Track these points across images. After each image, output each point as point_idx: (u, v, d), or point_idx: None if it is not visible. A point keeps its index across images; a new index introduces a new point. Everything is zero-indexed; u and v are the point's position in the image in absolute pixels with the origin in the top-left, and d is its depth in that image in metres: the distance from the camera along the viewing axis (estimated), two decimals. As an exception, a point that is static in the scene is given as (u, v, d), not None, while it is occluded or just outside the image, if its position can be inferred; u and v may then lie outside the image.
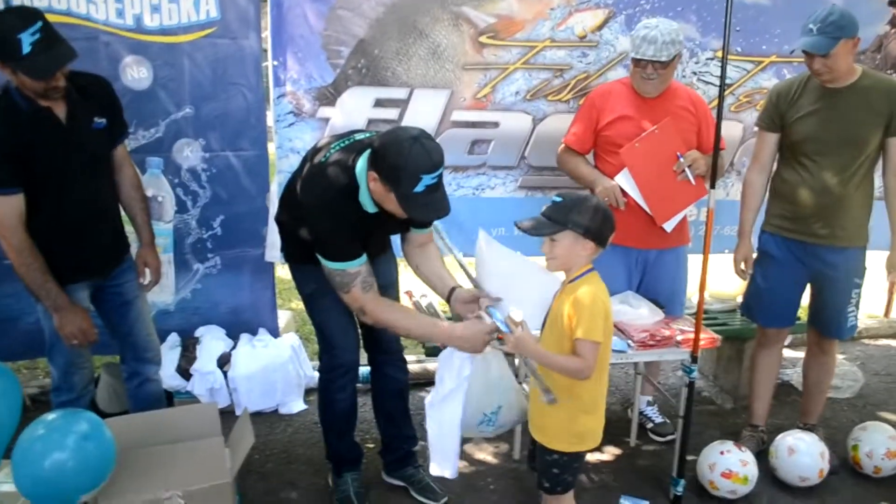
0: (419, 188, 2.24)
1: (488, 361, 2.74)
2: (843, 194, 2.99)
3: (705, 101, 3.39)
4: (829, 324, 3.21)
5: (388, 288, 2.88)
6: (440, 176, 2.29)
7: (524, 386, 2.90)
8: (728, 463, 3.04)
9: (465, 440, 3.43)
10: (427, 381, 3.88)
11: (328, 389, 2.94)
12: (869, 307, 5.08)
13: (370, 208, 2.46)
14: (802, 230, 3.09)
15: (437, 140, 3.52)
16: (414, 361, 4.12)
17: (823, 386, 3.41)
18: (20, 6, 2.93)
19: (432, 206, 2.32)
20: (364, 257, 2.49)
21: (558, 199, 2.26)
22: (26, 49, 2.34)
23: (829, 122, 2.95)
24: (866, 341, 4.84)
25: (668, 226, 3.22)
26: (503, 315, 2.36)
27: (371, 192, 2.41)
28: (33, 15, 2.42)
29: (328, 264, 2.48)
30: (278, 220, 2.82)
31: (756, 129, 3.31)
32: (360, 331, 2.95)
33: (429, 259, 2.76)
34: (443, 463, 2.57)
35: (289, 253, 2.86)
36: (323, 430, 3.06)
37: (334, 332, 2.83)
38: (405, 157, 2.23)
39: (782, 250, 3.17)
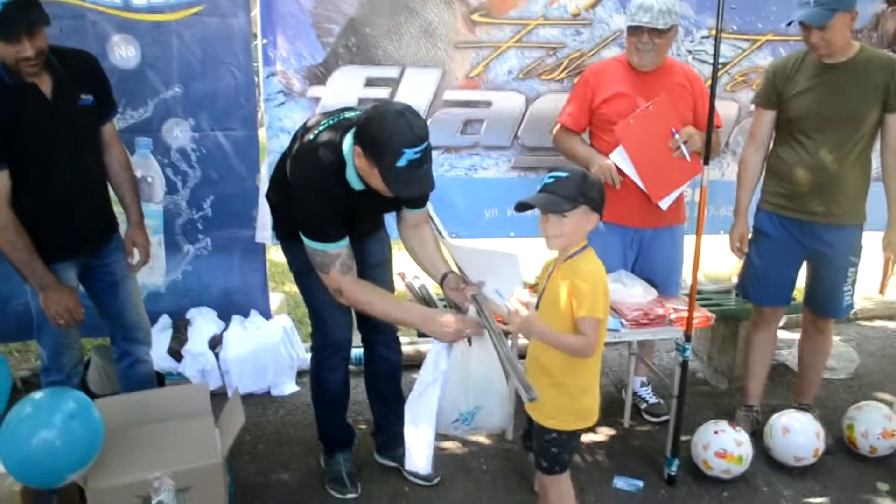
0: (401, 162, 2.21)
1: (468, 359, 2.70)
2: (840, 171, 2.96)
3: (701, 77, 3.35)
4: (826, 303, 3.20)
5: (379, 267, 2.86)
6: (424, 151, 2.24)
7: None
8: (722, 443, 3.02)
9: (441, 436, 3.43)
10: (420, 362, 3.83)
11: (320, 369, 2.93)
12: (864, 288, 5.05)
13: (357, 185, 2.43)
14: (799, 208, 3.07)
15: (429, 120, 3.54)
16: (407, 343, 4.08)
17: (819, 366, 3.40)
18: None
19: (415, 181, 2.28)
20: (346, 240, 2.46)
21: (562, 174, 2.20)
22: None
23: (827, 97, 2.92)
24: (862, 322, 4.84)
25: (664, 203, 3.19)
26: (505, 297, 2.30)
27: (357, 168, 2.38)
28: None
29: (310, 244, 2.45)
30: (269, 198, 2.80)
31: (752, 106, 3.28)
32: (353, 311, 2.92)
33: (423, 242, 2.71)
34: (417, 457, 2.51)
35: (280, 231, 2.83)
36: (315, 411, 3.05)
37: (326, 310, 2.80)
38: (388, 131, 2.21)
39: (778, 229, 3.15)
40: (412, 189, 2.33)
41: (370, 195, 2.44)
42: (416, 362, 3.89)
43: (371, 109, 2.32)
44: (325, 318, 2.83)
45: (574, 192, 2.17)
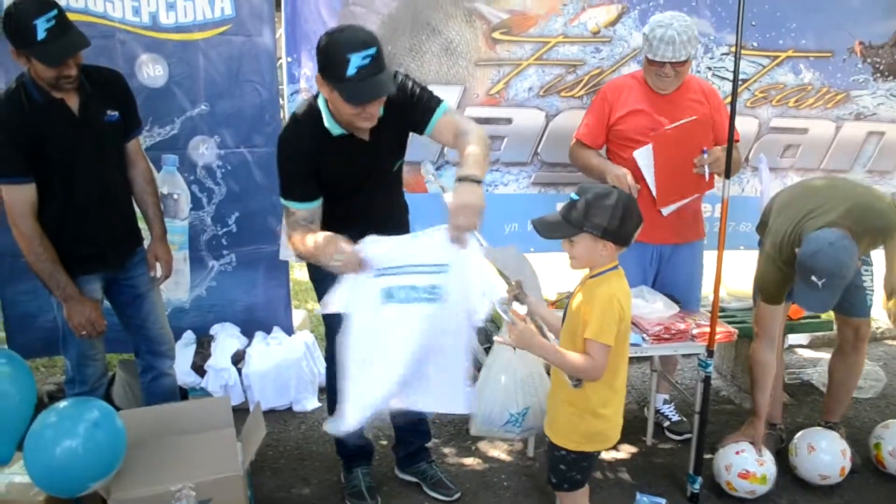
0: (350, 70, 2.20)
1: (514, 362, 2.70)
2: (846, 186, 2.95)
3: (718, 91, 3.36)
4: (854, 302, 3.13)
5: None
6: (374, 58, 2.22)
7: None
8: (744, 463, 2.98)
9: (485, 440, 3.43)
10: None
11: (335, 379, 2.93)
12: (891, 308, 5.01)
13: (335, 129, 2.45)
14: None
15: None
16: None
17: (850, 385, 3.34)
18: None
19: (369, 87, 2.25)
20: (313, 204, 2.47)
21: (576, 196, 2.15)
22: (41, 35, 2.39)
23: None
24: (889, 342, 4.76)
25: (666, 210, 3.17)
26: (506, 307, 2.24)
27: (329, 108, 2.41)
28: (49, 3, 2.47)
29: (282, 201, 2.51)
30: None
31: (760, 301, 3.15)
32: None
33: (455, 142, 2.50)
34: (451, 401, 2.42)
35: None
36: None
37: (338, 320, 2.82)
38: (332, 42, 2.25)
39: None
40: (366, 94, 2.27)
41: (355, 140, 2.47)
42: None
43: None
44: (339, 328, 2.84)
45: (577, 219, 2.13)
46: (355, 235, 2.33)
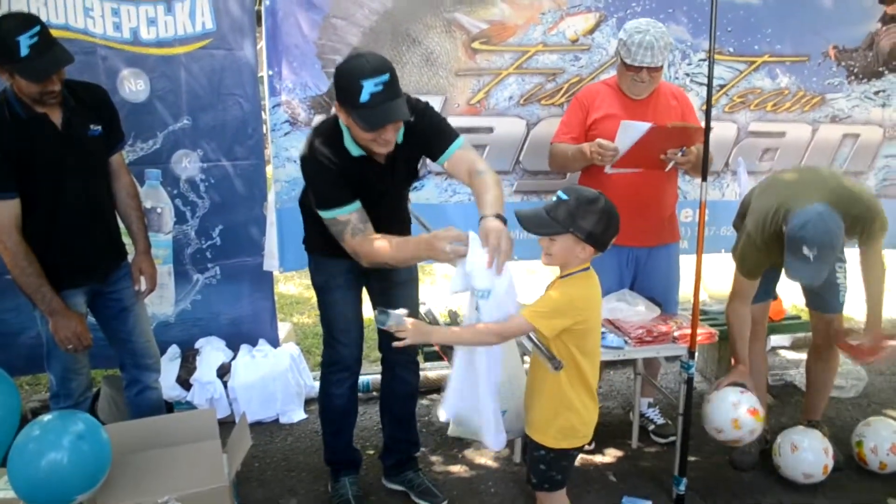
0: (364, 97, 2.26)
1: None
2: None
3: (686, 94, 3.46)
4: (828, 299, 3.19)
5: (404, 285, 2.89)
6: (386, 84, 2.28)
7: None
8: (751, 401, 2.97)
9: (465, 443, 3.44)
10: (428, 389, 3.87)
11: (326, 383, 2.97)
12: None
13: (354, 150, 2.50)
14: None
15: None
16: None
17: (828, 382, 3.38)
18: (20, 12, 2.99)
19: (382, 113, 2.31)
20: (356, 205, 2.47)
21: (565, 196, 2.18)
22: (24, 51, 2.40)
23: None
24: (870, 342, 4.81)
25: (610, 170, 3.18)
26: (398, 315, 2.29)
27: (349, 130, 2.46)
28: (32, 19, 2.49)
29: (322, 214, 2.51)
30: (301, 202, 2.84)
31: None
32: (377, 332, 2.96)
33: (475, 188, 2.52)
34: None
35: (307, 240, 2.88)
36: (322, 429, 3.08)
37: (337, 327, 2.87)
38: (347, 69, 2.33)
39: None
40: (380, 119, 2.33)
41: (373, 163, 2.51)
42: (423, 388, 3.91)
43: None
44: (334, 334, 2.88)
45: (565, 219, 2.15)
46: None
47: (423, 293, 3.09)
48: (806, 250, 2.61)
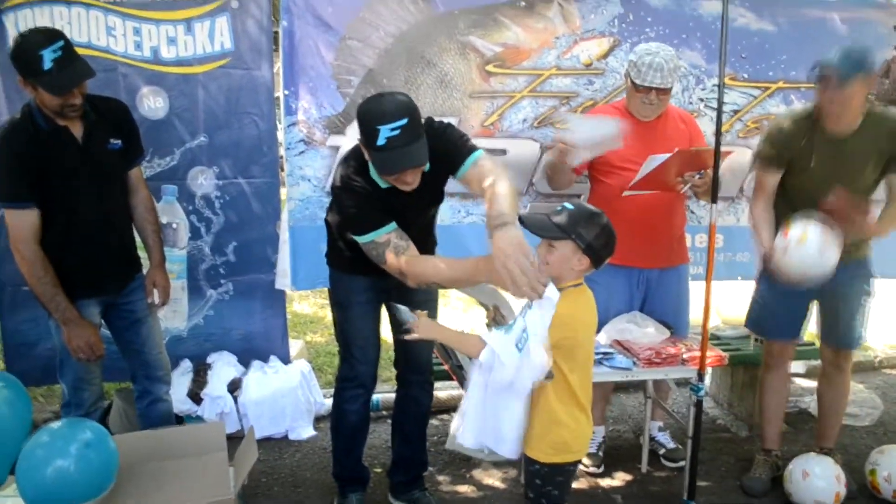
0: (380, 141, 2.26)
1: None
2: None
3: (694, 118, 3.49)
4: (844, 336, 3.16)
5: (424, 304, 2.84)
6: (404, 128, 2.26)
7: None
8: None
9: (472, 462, 3.42)
10: (437, 408, 3.86)
11: (340, 399, 2.98)
12: (889, 337, 5.00)
13: (382, 183, 2.50)
14: None
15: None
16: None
17: (839, 408, 3.34)
18: (44, 27, 3.07)
19: (398, 159, 2.31)
20: (392, 225, 2.45)
21: (570, 206, 2.21)
22: (47, 65, 2.47)
23: (831, 174, 2.92)
24: (887, 371, 4.74)
25: (627, 193, 3.14)
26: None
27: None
28: (56, 34, 2.57)
29: (360, 239, 2.49)
30: (326, 220, 2.87)
31: (756, 166, 3.21)
32: (394, 349, 3.02)
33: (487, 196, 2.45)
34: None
35: (329, 255, 2.90)
36: (332, 443, 3.09)
37: (354, 343, 2.89)
38: (364, 113, 2.33)
39: None
40: (394, 166, 2.33)
41: (399, 193, 2.49)
42: (433, 408, 3.90)
43: None
44: (352, 350, 2.90)
45: (568, 225, 2.17)
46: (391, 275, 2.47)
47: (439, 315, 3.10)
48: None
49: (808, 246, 2.80)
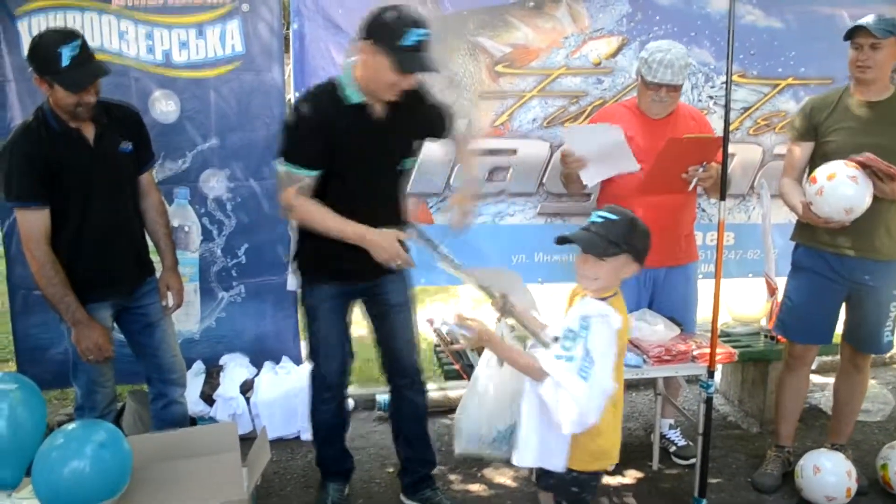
0: (408, 41, 2.43)
1: (503, 375, 2.70)
2: (880, 206, 2.88)
3: (705, 116, 3.48)
4: (868, 338, 3.15)
5: (401, 307, 2.95)
6: (426, 37, 2.48)
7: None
8: None
9: (484, 462, 3.43)
10: (449, 408, 3.87)
11: (313, 396, 3.06)
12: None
13: (354, 97, 2.60)
14: (841, 244, 3.01)
15: (457, 167, 3.65)
16: (435, 389, 4.12)
17: (855, 405, 3.34)
18: (62, 27, 3.14)
19: (421, 59, 2.49)
20: (315, 172, 2.59)
21: (613, 216, 2.15)
22: (65, 62, 2.50)
23: (866, 133, 2.94)
24: (898, 366, 4.75)
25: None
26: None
27: (359, 77, 2.57)
28: (74, 33, 2.61)
29: (281, 166, 2.61)
30: (296, 227, 2.90)
31: (776, 149, 3.24)
32: (380, 354, 3.04)
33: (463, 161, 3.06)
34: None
35: (300, 259, 2.93)
36: (312, 437, 3.17)
37: (320, 350, 2.97)
38: (395, 17, 2.47)
39: (820, 264, 3.09)
40: (419, 64, 2.50)
41: (370, 115, 2.63)
42: (445, 408, 3.92)
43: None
44: (320, 357, 2.98)
45: (620, 237, 2.12)
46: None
47: (446, 313, 3.11)
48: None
49: (840, 180, 2.81)
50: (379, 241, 2.56)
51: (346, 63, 2.67)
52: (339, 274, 2.77)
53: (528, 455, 2.27)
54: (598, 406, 2.11)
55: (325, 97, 2.63)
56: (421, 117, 2.82)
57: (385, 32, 2.45)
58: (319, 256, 2.77)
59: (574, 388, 2.04)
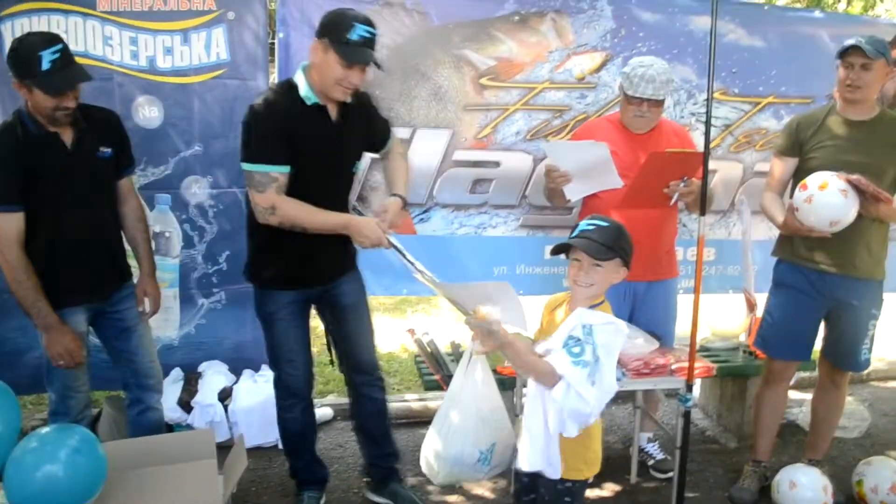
0: (354, 36, 2.55)
1: (476, 397, 2.69)
2: (860, 224, 2.91)
3: (688, 132, 3.51)
4: (846, 356, 3.19)
5: (354, 308, 3.00)
6: (374, 35, 2.61)
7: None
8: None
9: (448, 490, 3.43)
10: (428, 419, 3.85)
11: (279, 408, 3.08)
12: (878, 350, 5.01)
13: (311, 97, 2.67)
14: (822, 260, 3.05)
15: (440, 179, 3.68)
16: (416, 399, 4.13)
17: (832, 421, 3.38)
18: (43, 31, 3.12)
19: (365, 53, 2.59)
20: (288, 168, 2.65)
21: (603, 223, 2.23)
22: (45, 66, 2.49)
23: (849, 151, 2.98)
24: (875, 383, 4.77)
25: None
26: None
27: (312, 77, 2.66)
28: (55, 38, 2.60)
29: (252, 167, 2.65)
30: (249, 231, 2.93)
31: (756, 166, 3.27)
32: (336, 355, 3.12)
33: (391, 162, 3.06)
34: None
35: (251, 271, 2.97)
36: (283, 447, 3.20)
37: (283, 357, 2.99)
38: (342, 14, 2.61)
39: (801, 281, 3.12)
40: (362, 56, 2.59)
41: (325, 117, 2.70)
42: (425, 418, 3.90)
43: None
44: (283, 365, 3.00)
45: (613, 241, 2.19)
46: None
47: (427, 323, 3.11)
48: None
49: (830, 190, 2.84)
50: (363, 226, 2.65)
51: (301, 65, 2.73)
52: (296, 280, 2.84)
53: (526, 461, 2.30)
54: (601, 406, 2.16)
55: (282, 98, 2.69)
56: (368, 125, 2.93)
57: (333, 28, 2.58)
58: (277, 264, 2.81)
59: (587, 393, 2.09)
